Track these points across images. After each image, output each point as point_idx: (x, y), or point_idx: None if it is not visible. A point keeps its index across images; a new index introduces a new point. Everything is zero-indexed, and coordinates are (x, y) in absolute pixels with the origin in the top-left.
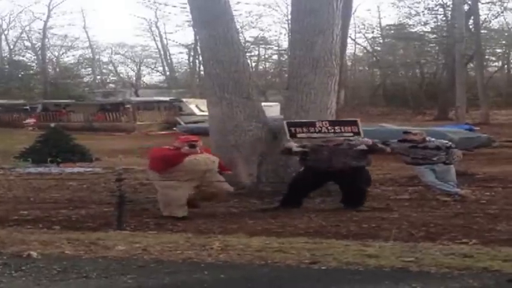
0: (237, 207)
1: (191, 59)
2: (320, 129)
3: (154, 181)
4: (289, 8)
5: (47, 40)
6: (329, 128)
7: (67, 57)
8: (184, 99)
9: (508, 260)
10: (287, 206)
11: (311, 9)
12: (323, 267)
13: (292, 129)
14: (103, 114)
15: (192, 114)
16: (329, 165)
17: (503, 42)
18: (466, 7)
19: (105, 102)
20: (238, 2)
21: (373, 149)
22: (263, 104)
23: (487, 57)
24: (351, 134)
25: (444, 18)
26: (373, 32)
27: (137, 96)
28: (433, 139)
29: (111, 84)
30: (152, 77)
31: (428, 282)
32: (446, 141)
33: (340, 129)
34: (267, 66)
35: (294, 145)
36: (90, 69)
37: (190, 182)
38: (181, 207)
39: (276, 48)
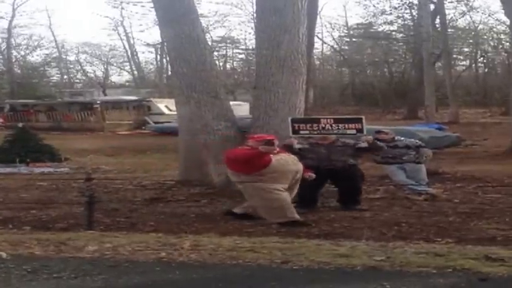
0: (208, 207)
1: (158, 58)
2: (324, 126)
3: (250, 185)
4: (255, 7)
5: (12, 39)
6: (333, 125)
7: (33, 56)
8: (153, 99)
9: (479, 259)
10: (304, 208)
11: (276, 8)
12: (295, 267)
13: (296, 125)
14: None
15: (161, 113)
16: (327, 163)
17: (470, 41)
18: (432, 6)
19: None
20: (206, 1)
21: (373, 146)
22: (232, 103)
23: (454, 56)
24: (354, 132)
25: (410, 17)
26: (340, 31)
27: (105, 95)
28: (402, 138)
29: (78, 84)
30: (120, 76)
31: (399, 281)
32: (416, 141)
33: (345, 126)
34: (235, 65)
35: (295, 142)
36: (57, 68)
37: (284, 184)
38: (291, 208)
39: (244, 47)
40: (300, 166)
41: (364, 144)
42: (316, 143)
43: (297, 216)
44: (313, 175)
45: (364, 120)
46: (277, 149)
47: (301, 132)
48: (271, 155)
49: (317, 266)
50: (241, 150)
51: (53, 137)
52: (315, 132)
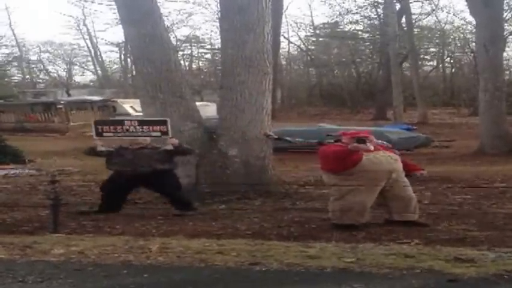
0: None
1: (123, 57)
2: (128, 128)
3: (332, 185)
4: (219, 6)
5: None
6: (137, 127)
7: None
8: (118, 99)
9: (448, 260)
10: (105, 210)
11: (240, 7)
12: (264, 269)
13: (99, 127)
14: None
15: (127, 114)
16: (133, 168)
17: (437, 41)
18: (397, 5)
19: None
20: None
21: (179, 150)
22: (199, 103)
23: (421, 56)
24: (159, 134)
25: (376, 16)
26: (306, 31)
27: (69, 95)
28: None
29: (41, 84)
30: (84, 76)
31: (369, 283)
32: (383, 141)
33: (149, 128)
34: (201, 65)
35: (98, 144)
36: (18, 68)
37: (375, 185)
38: (364, 213)
39: (209, 46)
40: (396, 165)
41: (169, 147)
42: (126, 148)
43: (362, 221)
44: (425, 172)
45: (169, 123)
46: (371, 147)
47: (105, 134)
48: (363, 154)
49: (286, 267)
50: (332, 147)
51: (16, 138)
52: (119, 135)
